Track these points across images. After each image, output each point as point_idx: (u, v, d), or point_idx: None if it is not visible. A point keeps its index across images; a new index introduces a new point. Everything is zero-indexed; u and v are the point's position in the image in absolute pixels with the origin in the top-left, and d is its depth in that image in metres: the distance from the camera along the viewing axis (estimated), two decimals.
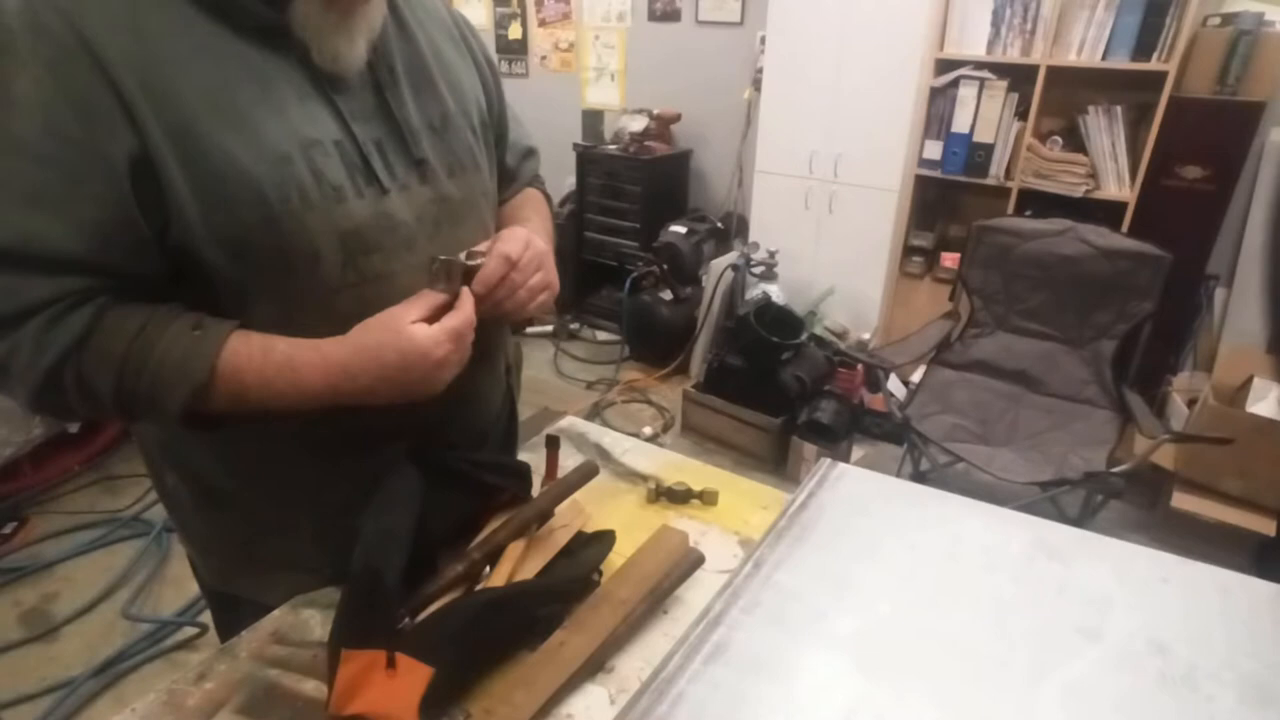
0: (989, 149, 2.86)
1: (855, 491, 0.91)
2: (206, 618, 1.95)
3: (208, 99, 0.64)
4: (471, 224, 0.84)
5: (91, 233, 0.63)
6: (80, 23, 0.60)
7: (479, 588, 0.76)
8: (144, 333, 0.65)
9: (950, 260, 3.04)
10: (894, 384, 2.71)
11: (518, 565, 0.78)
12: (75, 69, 0.60)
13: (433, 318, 0.71)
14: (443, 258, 0.73)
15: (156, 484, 0.90)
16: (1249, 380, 2.35)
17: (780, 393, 2.74)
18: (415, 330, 0.69)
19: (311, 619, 0.78)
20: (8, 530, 2.39)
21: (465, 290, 0.74)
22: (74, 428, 2.64)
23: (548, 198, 1.08)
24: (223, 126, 0.64)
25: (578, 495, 0.88)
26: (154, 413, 0.68)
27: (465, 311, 0.73)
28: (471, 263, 0.75)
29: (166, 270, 0.68)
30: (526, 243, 0.79)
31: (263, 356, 0.68)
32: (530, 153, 1.04)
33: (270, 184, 0.66)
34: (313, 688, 0.69)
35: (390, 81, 0.76)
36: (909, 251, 3.19)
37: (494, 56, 0.96)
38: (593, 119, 4.03)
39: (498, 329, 0.94)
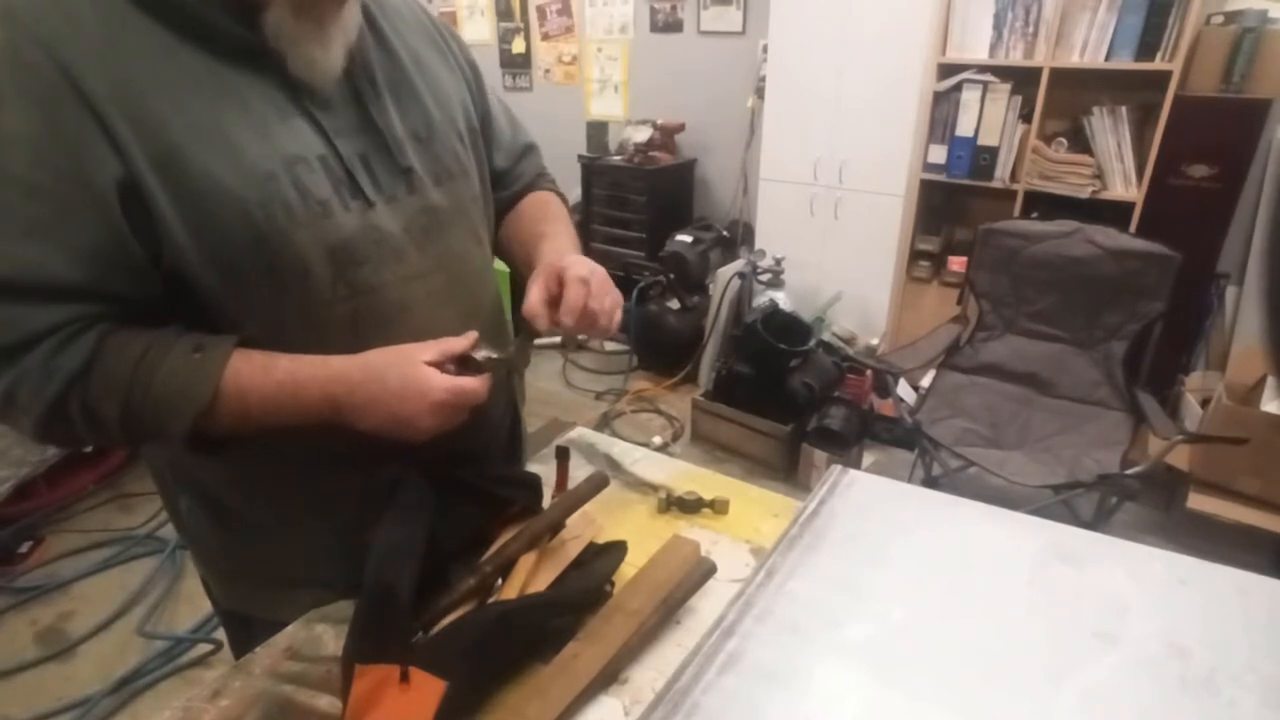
0: (994, 152, 2.86)
1: (866, 498, 0.90)
2: (221, 634, 1.95)
3: (190, 124, 0.64)
4: (461, 231, 0.85)
5: (88, 260, 0.63)
6: (62, 56, 0.60)
7: (491, 600, 0.76)
8: (146, 357, 0.66)
9: (958, 264, 3.03)
10: (903, 389, 2.70)
11: (530, 577, 0.78)
12: (59, 101, 0.60)
13: (443, 364, 0.72)
14: (496, 356, 0.77)
15: (170, 510, 0.91)
16: (1263, 379, 2.33)
17: (789, 400, 2.74)
18: (427, 368, 0.71)
19: (325, 634, 0.78)
20: (24, 550, 2.41)
21: (485, 376, 0.76)
22: (88, 447, 2.66)
23: (562, 197, 1.06)
24: (206, 150, 0.65)
25: (588, 506, 0.89)
26: (160, 436, 0.69)
27: (476, 385, 0.74)
28: (500, 355, 0.78)
29: (164, 293, 0.68)
30: (591, 269, 0.81)
31: (264, 374, 0.69)
32: (528, 150, 1.04)
33: (256, 203, 0.67)
34: (327, 703, 0.69)
35: (372, 94, 0.77)
36: (916, 256, 3.19)
37: (475, 59, 0.96)
38: (597, 130, 4.05)
39: (499, 334, 0.95)
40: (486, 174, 0.93)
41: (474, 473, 0.86)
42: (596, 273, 0.82)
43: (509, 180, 1.01)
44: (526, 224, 0.97)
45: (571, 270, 0.79)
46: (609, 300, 0.82)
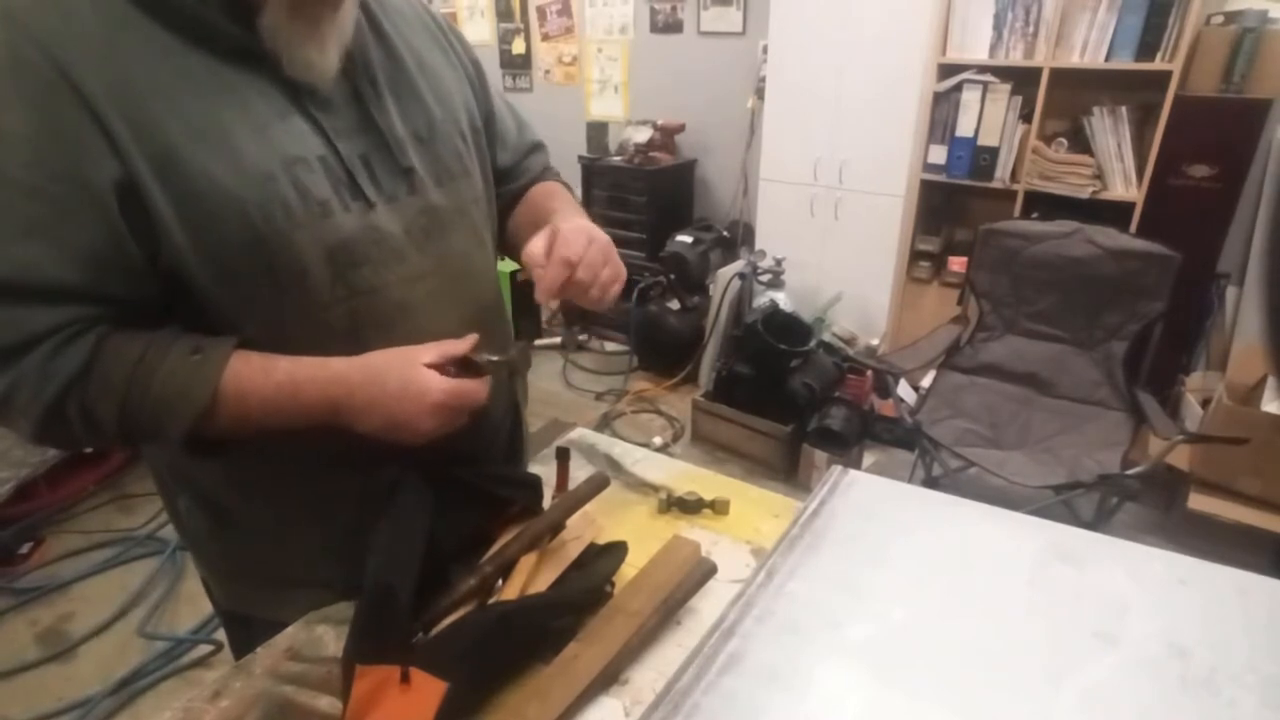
0: (994, 152, 2.86)
1: (867, 498, 0.90)
2: (222, 635, 1.96)
3: (188, 124, 0.64)
4: (462, 232, 0.84)
5: (86, 261, 0.63)
6: (60, 56, 0.60)
7: (491, 601, 0.76)
8: (144, 360, 0.66)
9: (958, 264, 3.03)
10: (904, 389, 2.70)
11: (530, 578, 0.78)
12: (57, 102, 0.60)
13: (443, 366, 0.72)
14: (497, 359, 0.76)
15: (169, 510, 0.91)
16: (1263, 379, 2.33)
17: (790, 400, 2.74)
18: (427, 370, 0.71)
19: (325, 635, 0.78)
20: (24, 550, 2.41)
21: (485, 379, 0.76)
22: (86, 449, 2.66)
23: (568, 187, 1.05)
24: (205, 150, 0.65)
25: (589, 507, 0.89)
26: (158, 438, 0.69)
27: (476, 387, 0.74)
28: (500, 358, 0.77)
29: (162, 295, 0.68)
30: (589, 238, 0.79)
31: (264, 376, 0.69)
32: (535, 148, 1.03)
33: (255, 204, 0.67)
34: (327, 704, 0.69)
35: (373, 94, 0.77)
36: (916, 256, 3.19)
37: (478, 57, 0.96)
38: (597, 131, 4.05)
39: (501, 335, 0.94)
40: (489, 173, 0.93)
41: (474, 473, 0.86)
42: (597, 240, 0.80)
43: (515, 174, 1.00)
44: (538, 210, 0.96)
45: (560, 248, 0.77)
46: (607, 271, 0.80)
